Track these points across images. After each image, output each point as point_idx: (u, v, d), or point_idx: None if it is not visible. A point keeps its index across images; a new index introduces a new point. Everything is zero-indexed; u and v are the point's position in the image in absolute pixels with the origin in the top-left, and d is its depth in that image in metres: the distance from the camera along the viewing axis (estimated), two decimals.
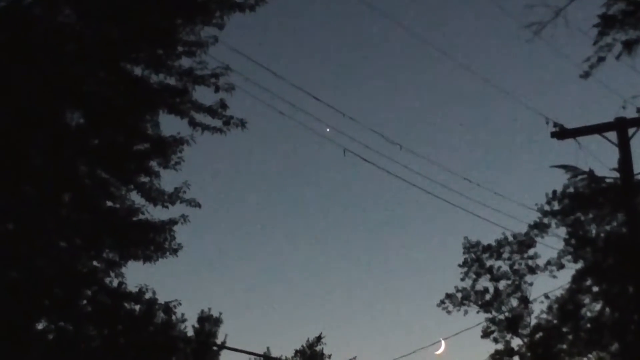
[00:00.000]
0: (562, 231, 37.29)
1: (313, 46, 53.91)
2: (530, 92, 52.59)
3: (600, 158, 21.18)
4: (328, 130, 18.60)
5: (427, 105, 55.69)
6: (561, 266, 39.43)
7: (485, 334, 42.10)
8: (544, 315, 40.19)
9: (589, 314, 37.50)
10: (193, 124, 19.25)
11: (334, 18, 52.04)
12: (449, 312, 42.41)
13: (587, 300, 36.90)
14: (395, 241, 55.50)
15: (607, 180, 22.95)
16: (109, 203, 19.56)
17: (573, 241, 35.83)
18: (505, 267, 42.15)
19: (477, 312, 42.38)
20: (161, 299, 20.57)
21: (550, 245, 39.03)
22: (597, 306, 36.47)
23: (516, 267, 41.97)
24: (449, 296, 42.74)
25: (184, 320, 30.43)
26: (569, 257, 37.75)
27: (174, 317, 23.73)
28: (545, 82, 53.97)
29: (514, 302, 42.30)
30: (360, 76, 54.74)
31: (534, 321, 41.36)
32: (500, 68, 51.50)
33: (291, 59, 50.77)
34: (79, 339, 19.05)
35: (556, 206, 37.52)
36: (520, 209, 43.90)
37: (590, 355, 38.43)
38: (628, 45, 17.77)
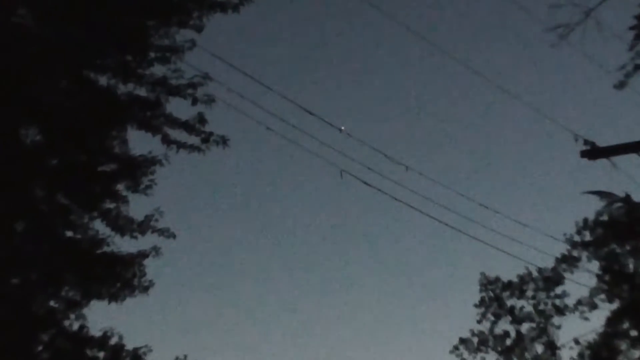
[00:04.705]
0: (595, 265, 37.82)
1: (304, 55, 52.03)
2: (557, 105, 51.25)
3: (639, 181, 20.13)
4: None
5: (437, 121, 53.54)
6: (594, 306, 38.41)
7: None
8: None
9: None
10: (167, 141, 18.98)
11: (328, 22, 50.45)
12: None
13: (624, 346, 37.22)
14: (401, 277, 53.62)
15: None
16: (70, 233, 19.11)
17: (607, 277, 35.23)
18: (528, 307, 41.25)
19: (497, 359, 41.43)
20: (129, 345, 19.66)
21: (580, 282, 38.54)
22: (636, 353, 35.86)
23: (541, 307, 41.01)
24: (463, 341, 41.61)
25: None
26: (603, 295, 37.46)
27: None
28: (574, 93, 53.18)
29: (539, 348, 41.30)
30: (360, 89, 52.94)
31: None
32: (521, 77, 50.13)
33: (280, 68, 49.07)
34: None
35: (588, 236, 37.64)
36: (546, 240, 42.60)
37: None
38: None
